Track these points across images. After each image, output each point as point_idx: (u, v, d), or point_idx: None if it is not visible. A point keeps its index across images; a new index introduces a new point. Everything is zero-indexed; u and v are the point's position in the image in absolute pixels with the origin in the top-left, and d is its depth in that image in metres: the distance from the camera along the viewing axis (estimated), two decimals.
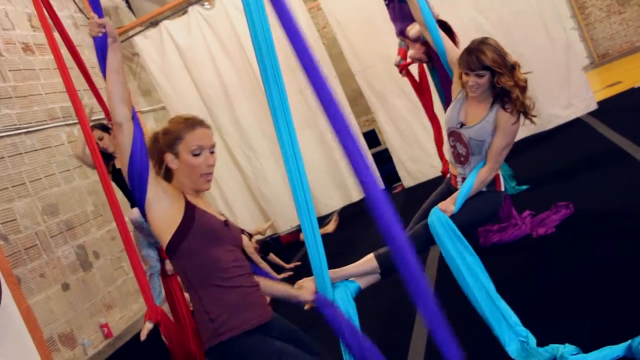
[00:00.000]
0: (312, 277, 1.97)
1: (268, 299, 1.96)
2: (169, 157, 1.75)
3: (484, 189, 2.44)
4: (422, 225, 2.38)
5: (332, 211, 6.32)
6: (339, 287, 2.10)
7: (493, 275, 2.30)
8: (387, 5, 3.88)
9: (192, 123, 1.77)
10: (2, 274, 3.58)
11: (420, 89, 4.25)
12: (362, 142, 5.71)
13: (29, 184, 4.40)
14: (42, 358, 3.62)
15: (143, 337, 2.85)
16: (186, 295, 3.35)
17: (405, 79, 4.32)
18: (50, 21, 2.95)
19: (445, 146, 3.01)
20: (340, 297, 2.03)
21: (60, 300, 4.29)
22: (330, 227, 5.68)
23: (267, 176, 6.30)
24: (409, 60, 3.95)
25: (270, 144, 6.15)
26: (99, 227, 4.98)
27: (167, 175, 1.77)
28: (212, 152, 1.78)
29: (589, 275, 2.64)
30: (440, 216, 2.31)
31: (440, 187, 2.72)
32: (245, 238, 4.71)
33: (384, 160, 6.54)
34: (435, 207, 2.39)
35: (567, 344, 2.12)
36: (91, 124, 3.29)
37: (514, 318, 2.25)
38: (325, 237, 4.29)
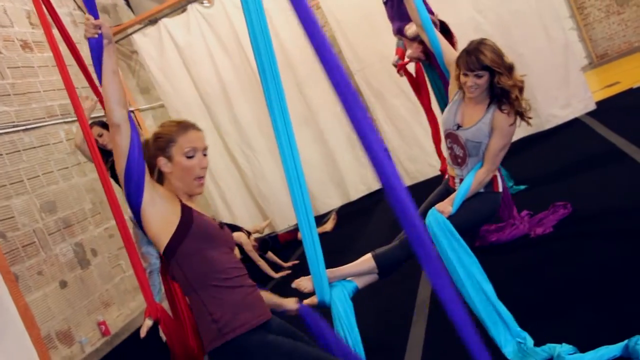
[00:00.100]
0: (310, 276, 1.98)
1: None
2: (162, 161, 1.75)
3: (482, 190, 2.44)
4: None
5: (330, 210, 6.30)
6: (337, 286, 2.11)
7: (490, 275, 2.30)
8: (385, 3, 3.86)
9: (185, 126, 1.77)
10: (0, 271, 3.58)
11: (417, 85, 4.25)
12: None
13: (26, 182, 4.40)
14: (40, 355, 3.62)
15: (143, 334, 2.84)
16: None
17: (404, 78, 4.31)
18: (49, 18, 2.94)
19: (443, 146, 3.02)
20: (338, 297, 2.04)
21: (58, 297, 4.29)
22: (329, 226, 5.67)
23: (266, 174, 6.30)
24: (406, 59, 3.94)
25: (268, 142, 6.13)
26: (97, 225, 4.98)
27: (159, 180, 1.77)
28: (204, 155, 1.78)
29: (586, 275, 2.64)
30: (438, 217, 2.32)
31: (438, 188, 2.73)
32: (244, 235, 4.70)
33: None
34: (433, 208, 2.39)
35: (564, 344, 2.13)
36: (90, 121, 3.28)
37: (511, 319, 2.25)
38: (323, 235, 4.32)
